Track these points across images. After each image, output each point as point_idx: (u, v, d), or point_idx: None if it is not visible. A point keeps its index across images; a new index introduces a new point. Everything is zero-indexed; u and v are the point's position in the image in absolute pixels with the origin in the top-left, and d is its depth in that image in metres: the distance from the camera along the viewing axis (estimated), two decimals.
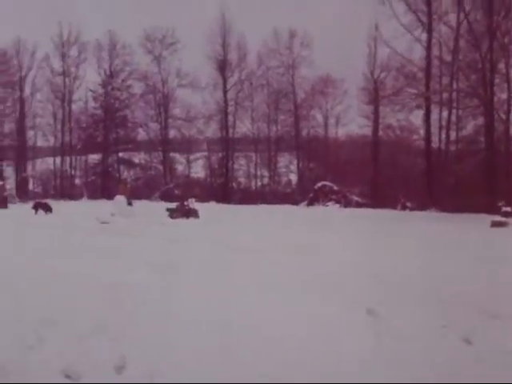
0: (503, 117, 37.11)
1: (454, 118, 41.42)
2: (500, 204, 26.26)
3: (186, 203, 25.87)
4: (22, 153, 54.88)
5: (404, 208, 36.15)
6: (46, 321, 5.64)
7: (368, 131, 48.75)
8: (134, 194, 46.72)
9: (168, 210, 25.05)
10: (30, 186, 56.03)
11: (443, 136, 41.84)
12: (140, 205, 32.03)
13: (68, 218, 21.48)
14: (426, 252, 12.66)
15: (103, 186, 51.67)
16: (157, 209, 27.05)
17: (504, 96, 37.31)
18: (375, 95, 46.26)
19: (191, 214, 24.47)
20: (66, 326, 5.55)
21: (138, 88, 53.92)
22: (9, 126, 55.01)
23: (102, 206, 28.37)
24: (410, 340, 5.42)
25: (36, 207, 26.85)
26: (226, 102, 51.54)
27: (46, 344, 5.05)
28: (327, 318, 6.08)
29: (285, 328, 5.72)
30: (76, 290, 7.13)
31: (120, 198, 25.04)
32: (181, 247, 12.28)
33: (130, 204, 25.24)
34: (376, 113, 47.10)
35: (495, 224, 22.30)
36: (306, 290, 7.55)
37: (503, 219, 23.35)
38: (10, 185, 52.85)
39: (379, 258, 11.33)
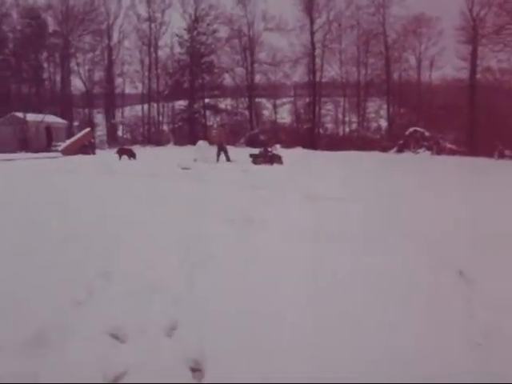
0: None
1: None
2: None
3: (269, 149, 25.02)
4: (111, 100, 55.88)
5: (502, 156, 33.85)
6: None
7: (465, 74, 45.67)
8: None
9: (251, 155, 24.21)
10: (120, 133, 56.97)
11: None
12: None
13: (150, 164, 21.22)
14: None
15: (190, 132, 51.75)
16: (241, 154, 26.36)
17: None
18: (474, 34, 43.11)
19: (275, 160, 23.62)
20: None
21: (223, 32, 53.23)
22: (98, 74, 56.05)
23: (187, 152, 28.01)
24: None
25: (120, 153, 26.90)
26: (313, 44, 49.84)
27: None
28: None
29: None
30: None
31: (203, 143, 24.53)
32: (263, 196, 11.47)
33: (223, 150, 24.11)
34: (474, 54, 43.94)
35: None
36: None
37: None
38: (101, 131, 54.35)
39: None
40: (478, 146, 37.70)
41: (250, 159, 23.82)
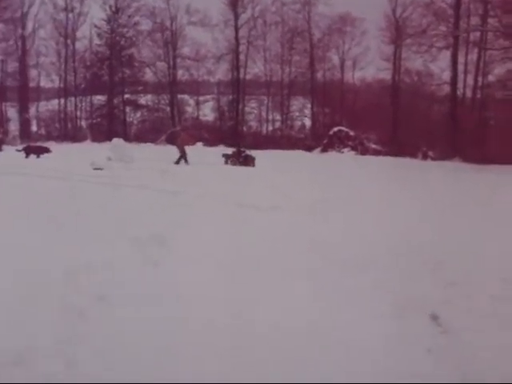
0: None
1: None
2: None
3: (243, 149, 24.86)
4: (25, 93, 52.77)
5: (425, 157, 34.03)
6: None
7: (387, 75, 46.01)
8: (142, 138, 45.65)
9: (224, 155, 24.32)
10: (34, 128, 53.96)
11: (469, 82, 39.32)
12: (143, 149, 30.12)
13: (60, 163, 19.44)
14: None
15: (109, 128, 49.61)
16: (161, 153, 25.01)
17: None
18: (397, 35, 43.26)
19: (248, 161, 23.63)
20: None
21: (145, 25, 51.03)
22: (12, 66, 52.69)
23: (104, 150, 26.34)
24: None
25: (27, 151, 24.88)
26: (237, 40, 48.67)
27: None
28: None
29: None
30: None
31: (118, 141, 22.96)
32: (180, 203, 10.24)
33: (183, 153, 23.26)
34: (397, 55, 44.18)
35: None
36: None
37: None
38: (15, 126, 51.34)
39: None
40: (402, 146, 37.81)
41: (223, 159, 24.00)
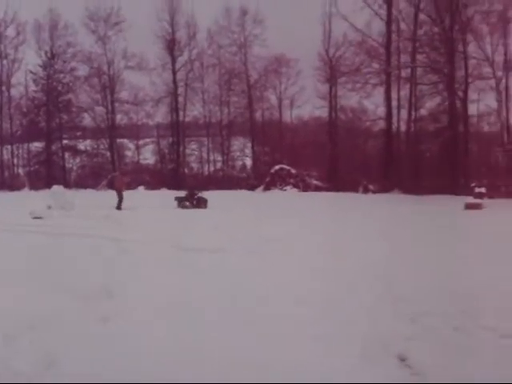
0: (460, 95, 36.34)
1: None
2: (473, 185, 24.69)
3: (196, 192, 24.74)
4: None
5: (366, 191, 34.73)
6: None
7: (324, 112, 47.04)
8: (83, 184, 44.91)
9: (176, 198, 24.28)
10: None
11: (402, 116, 40.64)
12: (84, 195, 29.59)
13: None
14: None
15: (48, 175, 48.60)
16: (102, 199, 24.63)
17: (461, 73, 36.49)
18: (331, 73, 44.47)
19: (201, 203, 23.72)
20: None
21: (82, 70, 50.59)
22: None
23: (43, 197, 25.75)
24: None
25: None
26: (175, 83, 48.95)
27: None
28: None
29: None
30: None
31: (58, 188, 22.54)
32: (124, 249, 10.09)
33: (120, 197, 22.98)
34: (332, 92, 45.33)
35: (470, 206, 20.89)
36: None
37: (478, 201, 21.96)
38: None
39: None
40: (342, 181, 38.55)
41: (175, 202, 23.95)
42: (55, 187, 22.92)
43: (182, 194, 25.23)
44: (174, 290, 7.18)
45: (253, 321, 5.77)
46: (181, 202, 24.07)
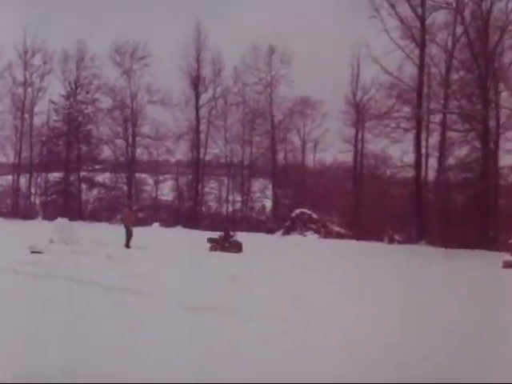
0: (491, 146, 34.94)
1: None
2: (511, 241, 22.74)
3: (232, 233, 22.99)
4: None
5: (392, 241, 33.08)
6: None
7: (348, 157, 45.76)
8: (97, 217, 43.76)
9: (209, 240, 22.59)
10: None
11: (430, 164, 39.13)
12: (96, 228, 28.36)
13: None
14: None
15: (63, 206, 47.77)
16: (113, 234, 23.26)
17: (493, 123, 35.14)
18: (357, 117, 43.39)
19: (233, 246, 21.90)
20: None
21: (104, 103, 50.36)
22: None
23: (51, 229, 24.46)
24: None
25: None
26: (197, 119, 48.18)
27: None
28: None
29: None
30: None
31: (62, 221, 21.25)
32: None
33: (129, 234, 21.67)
34: (358, 137, 44.16)
35: (509, 265, 19.15)
36: None
37: None
38: None
39: None
40: (366, 229, 37.07)
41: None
42: (60, 219, 21.72)
43: (211, 234, 23.48)
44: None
45: None
46: (213, 243, 22.31)
